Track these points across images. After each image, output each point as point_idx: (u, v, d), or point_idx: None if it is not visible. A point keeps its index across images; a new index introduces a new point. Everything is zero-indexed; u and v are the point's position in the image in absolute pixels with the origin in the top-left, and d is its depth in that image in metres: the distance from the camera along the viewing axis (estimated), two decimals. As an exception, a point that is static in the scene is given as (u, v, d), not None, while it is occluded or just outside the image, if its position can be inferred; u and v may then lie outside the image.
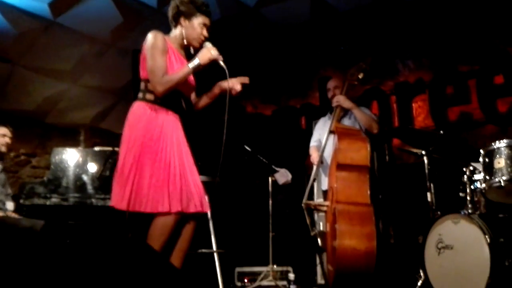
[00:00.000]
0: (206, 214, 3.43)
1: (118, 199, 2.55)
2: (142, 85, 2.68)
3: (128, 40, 5.26)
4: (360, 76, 3.83)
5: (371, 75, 5.09)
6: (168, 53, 2.63)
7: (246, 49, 6.07)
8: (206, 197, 2.70)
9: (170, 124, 2.63)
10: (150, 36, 2.63)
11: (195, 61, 2.59)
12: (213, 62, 2.64)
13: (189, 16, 2.69)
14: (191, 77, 2.76)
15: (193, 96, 2.88)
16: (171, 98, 2.66)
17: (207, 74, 2.84)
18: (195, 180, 2.64)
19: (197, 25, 2.69)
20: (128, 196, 2.51)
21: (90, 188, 3.65)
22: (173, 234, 2.58)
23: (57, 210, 3.65)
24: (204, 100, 2.87)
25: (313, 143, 4.14)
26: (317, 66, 6.06)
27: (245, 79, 2.82)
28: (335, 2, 5.39)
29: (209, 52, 2.62)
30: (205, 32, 2.71)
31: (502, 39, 4.90)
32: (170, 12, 2.76)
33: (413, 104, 5.31)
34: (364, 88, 5.51)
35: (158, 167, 2.53)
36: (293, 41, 5.97)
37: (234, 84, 2.77)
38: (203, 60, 2.59)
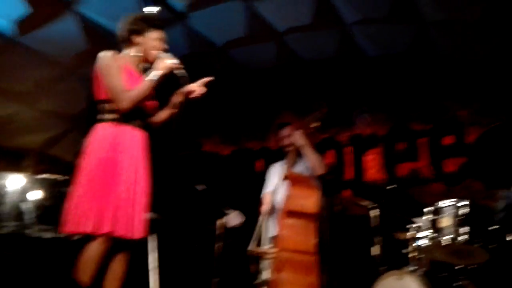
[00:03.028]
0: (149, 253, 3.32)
1: (78, 222, 2.43)
2: (100, 106, 2.64)
3: (91, 67, 5.19)
4: (315, 125, 3.89)
5: (327, 125, 5.20)
6: (126, 72, 2.61)
7: (210, 88, 6.10)
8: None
9: (130, 143, 2.58)
10: (102, 55, 2.61)
11: (154, 73, 2.58)
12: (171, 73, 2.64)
13: (141, 32, 2.69)
14: (153, 99, 2.74)
15: (154, 116, 2.81)
16: (136, 116, 2.63)
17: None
18: (142, 204, 2.56)
19: (153, 40, 2.70)
20: (90, 217, 2.42)
21: (28, 218, 3.47)
22: (104, 269, 2.48)
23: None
24: (166, 112, 2.79)
25: (267, 189, 4.14)
26: (277, 111, 6.16)
27: (208, 79, 2.80)
28: (301, 52, 5.57)
29: (164, 61, 2.62)
30: (162, 45, 2.71)
31: (454, 102, 5.16)
32: (122, 32, 2.75)
33: (366, 157, 5.44)
34: (321, 137, 5.62)
35: (107, 188, 2.46)
36: (257, 84, 6.07)
37: (197, 86, 2.74)
38: (163, 70, 2.59)
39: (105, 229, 2.40)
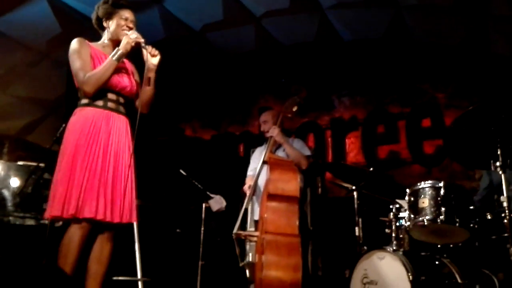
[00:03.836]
0: (133, 238, 3.30)
1: (51, 208, 2.42)
2: (79, 93, 2.64)
3: (65, 51, 5.06)
4: (295, 109, 3.91)
5: (307, 109, 5.25)
6: (94, 58, 2.58)
7: (189, 72, 6.07)
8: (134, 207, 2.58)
9: (106, 128, 2.54)
10: (72, 43, 2.61)
11: (117, 51, 2.56)
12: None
13: (109, 16, 2.69)
14: (132, 80, 2.69)
15: (138, 100, 2.71)
16: (113, 100, 2.60)
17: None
18: (122, 187, 2.52)
19: (118, 20, 2.67)
20: (57, 201, 2.40)
21: (9, 205, 3.39)
22: (86, 253, 2.45)
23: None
24: (145, 92, 2.69)
25: (249, 172, 4.16)
26: (257, 95, 6.17)
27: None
28: (279, 36, 5.56)
29: (128, 37, 2.59)
30: (129, 23, 2.68)
31: (431, 85, 5.26)
32: (93, 20, 2.75)
33: (347, 140, 5.52)
34: (301, 120, 5.66)
35: (77, 172, 2.42)
36: (236, 68, 6.05)
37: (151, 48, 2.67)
38: (125, 48, 2.57)
39: (86, 213, 2.37)
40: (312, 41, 5.49)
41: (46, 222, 2.76)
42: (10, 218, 3.37)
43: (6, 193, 3.43)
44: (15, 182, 3.51)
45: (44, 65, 5.42)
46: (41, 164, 3.47)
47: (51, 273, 2.04)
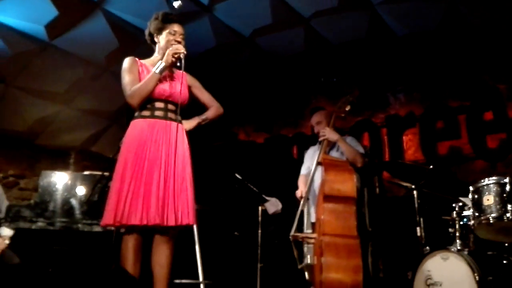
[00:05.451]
0: (193, 242, 3.39)
1: (104, 216, 2.56)
2: None
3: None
4: (347, 108, 3.85)
5: (360, 107, 5.16)
6: (141, 74, 2.69)
7: (241, 77, 6.15)
8: (191, 209, 2.64)
9: (149, 135, 2.62)
10: (123, 62, 2.74)
11: (160, 64, 2.66)
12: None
13: (159, 31, 2.79)
14: (177, 87, 2.73)
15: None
16: (159, 108, 2.69)
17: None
18: (177, 190, 2.58)
19: (167, 35, 2.76)
20: (109, 210, 2.52)
21: (77, 213, 3.60)
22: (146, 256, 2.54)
23: (42, 235, 3.60)
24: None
25: (303, 171, 4.13)
26: (309, 96, 6.14)
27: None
28: (329, 35, 5.50)
29: (170, 50, 2.67)
30: (177, 37, 2.76)
31: (492, 76, 5.01)
32: (146, 36, 2.87)
33: (404, 137, 5.36)
34: (355, 119, 5.57)
35: (125, 181, 2.53)
36: (287, 71, 6.06)
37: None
38: (167, 61, 2.66)
39: (132, 220, 2.47)
40: (364, 38, 5.40)
41: (112, 228, 2.90)
42: (79, 225, 3.57)
43: (74, 201, 3.64)
44: (81, 191, 3.72)
45: (105, 78, 5.66)
46: (106, 173, 3.64)
47: (120, 277, 2.14)
